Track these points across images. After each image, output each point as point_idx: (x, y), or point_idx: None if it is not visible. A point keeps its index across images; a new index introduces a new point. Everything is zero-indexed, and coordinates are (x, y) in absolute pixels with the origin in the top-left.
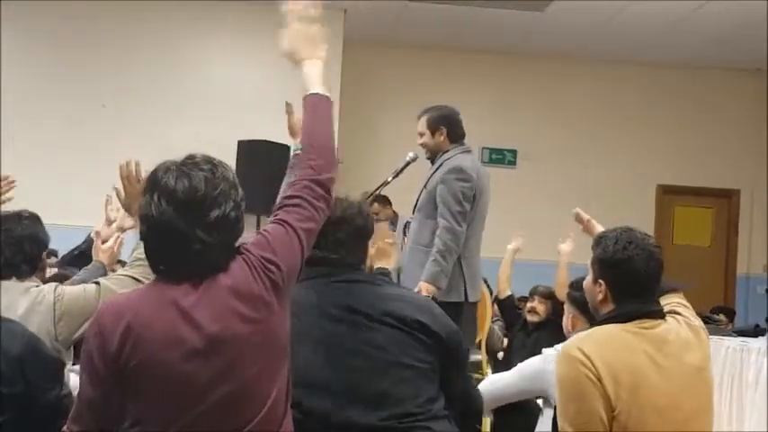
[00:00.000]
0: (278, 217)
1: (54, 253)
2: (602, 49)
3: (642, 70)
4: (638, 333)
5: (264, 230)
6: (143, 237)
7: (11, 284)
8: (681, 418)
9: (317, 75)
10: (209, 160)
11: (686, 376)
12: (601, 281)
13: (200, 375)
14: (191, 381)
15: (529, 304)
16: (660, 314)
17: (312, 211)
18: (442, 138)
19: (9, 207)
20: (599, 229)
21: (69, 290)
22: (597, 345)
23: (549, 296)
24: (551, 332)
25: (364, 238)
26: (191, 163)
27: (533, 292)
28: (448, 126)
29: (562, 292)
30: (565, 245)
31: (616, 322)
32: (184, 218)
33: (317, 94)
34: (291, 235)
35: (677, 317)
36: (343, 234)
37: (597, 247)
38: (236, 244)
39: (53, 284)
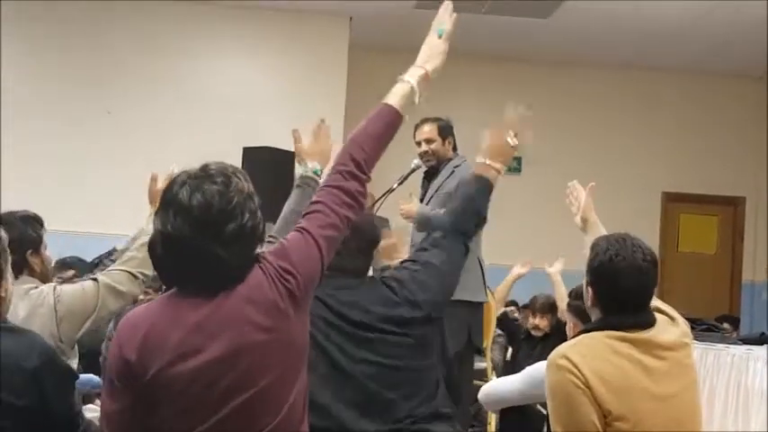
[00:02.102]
0: (299, 224)
1: (70, 265)
2: (606, 55)
3: (647, 77)
4: (625, 338)
5: (284, 239)
6: (159, 252)
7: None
8: (675, 420)
9: (403, 89)
10: (222, 171)
11: (676, 377)
12: (589, 288)
13: (217, 385)
14: (207, 390)
15: (531, 321)
16: (648, 324)
17: (334, 218)
18: (450, 146)
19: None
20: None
21: (68, 289)
22: (583, 352)
23: (548, 309)
24: (557, 341)
25: (374, 247)
26: (204, 175)
27: (533, 309)
28: (453, 135)
29: (564, 307)
30: (553, 267)
31: (602, 330)
32: (200, 234)
33: (389, 106)
34: (310, 242)
35: (663, 315)
36: (354, 243)
37: (591, 252)
38: (256, 252)
39: (52, 285)
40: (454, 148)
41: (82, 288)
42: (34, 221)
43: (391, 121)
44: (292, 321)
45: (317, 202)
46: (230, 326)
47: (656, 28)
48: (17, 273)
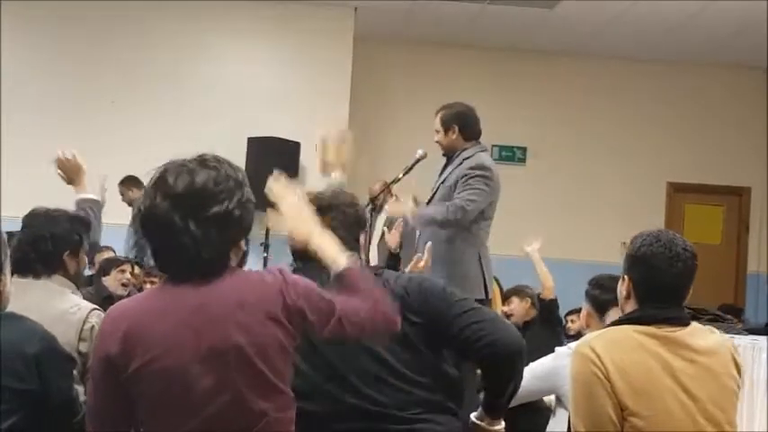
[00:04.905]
0: (332, 296)
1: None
2: (611, 46)
3: (652, 68)
4: (655, 335)
5: (319, 288)
6: (140, 234)
7: (41, 284)
8: (700, 425)
9: (333, 249)
10: (217, 159)
11: (705, 381)
12: (626, 276)
13: (200, 384)
14: (190, 389)
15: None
16: (683, 321)
17: (325, 317)
18: (455, 136)
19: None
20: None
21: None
22: (608, 344)
23: (511, 294)
24: (544, 329)
25: (357, 227)
26: (197, 161)
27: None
28: (460, 124)
29: (547, 291)
30: (530, 246)
31: (632, 324)
32: (178, 211)
33: (350, 269)
34: (328, 311)
35: (702, 323)
36: (335, 222)
37: (631, 244)
38: (244, 245)
39: (91, 306)
40: (471, 137)
41: None
42: (80, 224)
43: (369, 279)
44: (283, 332)
45: (331, 300)
46: (218, 325)
47: (658, 20)
48: (51, 272)
